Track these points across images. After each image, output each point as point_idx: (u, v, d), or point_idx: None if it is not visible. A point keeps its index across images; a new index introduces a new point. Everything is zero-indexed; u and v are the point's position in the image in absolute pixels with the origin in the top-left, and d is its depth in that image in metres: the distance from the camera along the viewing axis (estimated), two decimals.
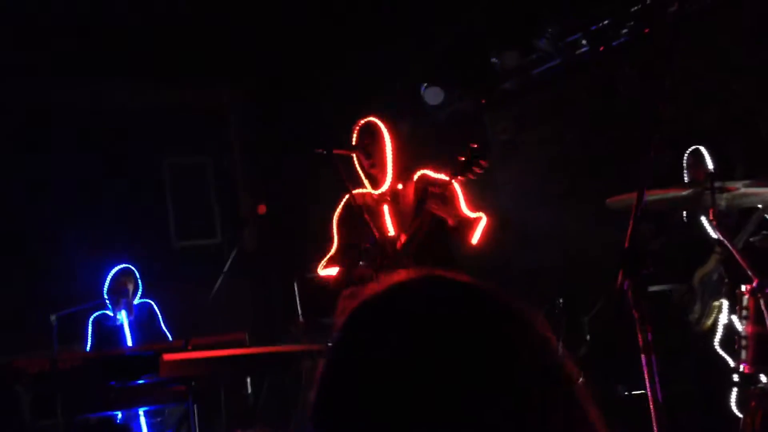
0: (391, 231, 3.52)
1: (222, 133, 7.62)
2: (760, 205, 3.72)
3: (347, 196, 3.68)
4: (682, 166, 4.74)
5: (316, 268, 3.79)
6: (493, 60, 6.21)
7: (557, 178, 6.37)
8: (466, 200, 3.52)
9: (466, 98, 6.75)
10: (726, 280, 4.05)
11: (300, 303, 5.16)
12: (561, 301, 5.11)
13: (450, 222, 3.37)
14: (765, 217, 4.00)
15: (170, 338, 5.36)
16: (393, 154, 3.53)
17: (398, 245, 3.31)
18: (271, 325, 6.34)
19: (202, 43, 6.42)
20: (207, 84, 7.29)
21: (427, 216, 3.32)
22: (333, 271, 3.67)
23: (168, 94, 7.19)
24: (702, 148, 4.48)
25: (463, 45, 6.46)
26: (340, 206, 3.78)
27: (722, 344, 4.02)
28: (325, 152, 3.59)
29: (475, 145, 3.18)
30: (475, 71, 6.47)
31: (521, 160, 6.72)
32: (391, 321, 0.82)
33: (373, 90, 6.46)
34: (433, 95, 6.54)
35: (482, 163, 3.23)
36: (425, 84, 6.54)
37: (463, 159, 3.24)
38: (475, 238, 3.39)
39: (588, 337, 4.79)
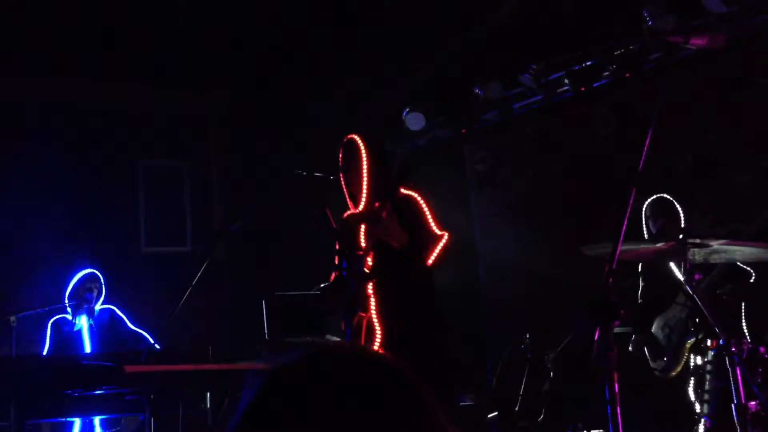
0: (360, 249, 3.47)
1: (200, 141, 7.57)
2: (738, 261, 3.77)
3: (346, 214, 3.66)
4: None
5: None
6: (476, 91, 6.26)
7: (531, 212, 6.43)
8: (432, 217, 3.45)
9: (447, 126, 6.80)
10: (692, 325, 4.07)
11: (267, 320, 5.12)
12: (528, 336, 5.16)
13: (395, 245, 3.27)
14: (735, 267, 4.06)
15: (148, 336, 5.23)
16: (368, 173, 3.47)
17: (366, 265, 3.27)
18: (236, 340, 6.28)
19: (184, 48, 6.39)
20: (188, 90, 7.24)
21: (371, 238, 3.25)
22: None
23: (147, 98, 7.13)
24: (668, 196, 4.50)
25: (447, 73, 6.51)
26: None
27: (695, 390, 4.02)
28: (304, 173, 3.57)
29: (404, 167, 3.16)
30: (458, 100, 6.53)
31: (497, 193, 6.77)
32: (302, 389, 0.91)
33: (355, 110, 6.48)
34: (414, 120, 6.57)
35: (407, 182, 3.19)
36: (407, 109, 6.57)
37: (396, 173, 3.20)
38: (432, 258, 3.31)
39: (551, 374, 4.82)
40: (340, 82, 6.59)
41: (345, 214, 3.66)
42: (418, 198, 3.41)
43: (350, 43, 6.32)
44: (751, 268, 3.96)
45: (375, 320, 3.24)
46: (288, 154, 6.14)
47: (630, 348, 4.40)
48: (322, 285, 3.72)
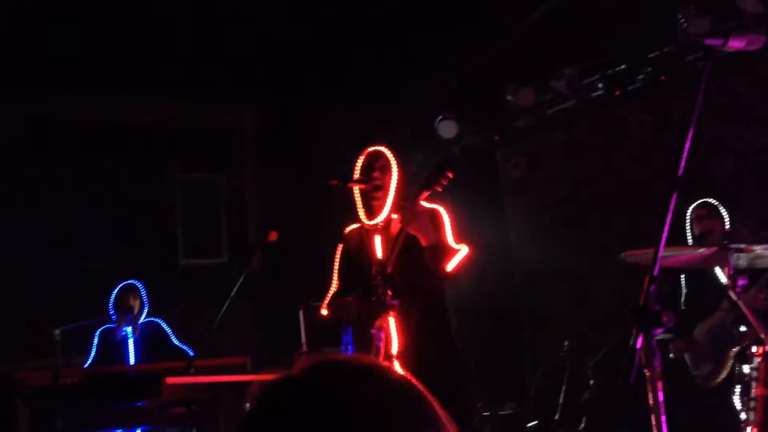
0: (380, 256, 3.49)
1: (236, 153, 7.66)
2: None
3: (342, 244, 3.69)
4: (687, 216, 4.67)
5: (322, 304, 3.78)
6: (508, 97, 6.24)
7: (567, 217, 6.38)
8: (453, 230, 3.45)
9: (480, 133, 6.78)
10: (740, 331, 3.98)
11: (304, 331, 5.14)
12: (567, 344, 5.11)
13: (423, 242, 3.27)
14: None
15: (191, 353, 5.30)
16: (397, 186, 3.51)
17: (387, 270, 3.29)
18: (274, 351, 6.32)
19: (221, 61, 6.47)
20: (221, 103, 7.33)
21: (401, 233, 3.26)
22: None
23: (181, 112, 7.24)
24: (713, 201, 4.44)
25: (479, 80, 6.50)
26: (339, 251, 3.75)
27: (743, 399, 3.94)
28: (340, 184, 3.59)
29: (445, 159, 3.16)
30: (490, 107, 6.51)
31: (531, 198, 6.73)
32: (300, 403, 0.91)
33: (388, 120, 6.49)
34: (446, 128, 6.57)
35: (448, 173, 3.18)
36: (440, 116, 6.57)
37: (430, 172, 3.20)
38: (451, 265, 3.29)
39: (591, 382, 4.76)
40: (370, 92, 6.62)
41: (348, 230, 3.67)
42: (441, 211, 3.42)
43: (379, 52, 6.35)
44: None
45: (392, 334, 3.25)
46: (320, 164, 6.18)
47: (670, 355, 4.34)
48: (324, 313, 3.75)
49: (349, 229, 3.68)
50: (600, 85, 5.89)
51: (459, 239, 3.43)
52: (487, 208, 6.54)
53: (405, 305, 3.24)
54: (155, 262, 6.92)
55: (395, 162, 3.49)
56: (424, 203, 3.38)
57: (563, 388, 4.85)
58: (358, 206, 3.60)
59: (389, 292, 3.22)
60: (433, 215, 3.40)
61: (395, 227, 3.42)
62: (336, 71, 6.67)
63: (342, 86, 6.75)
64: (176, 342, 5.43)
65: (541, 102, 6.26)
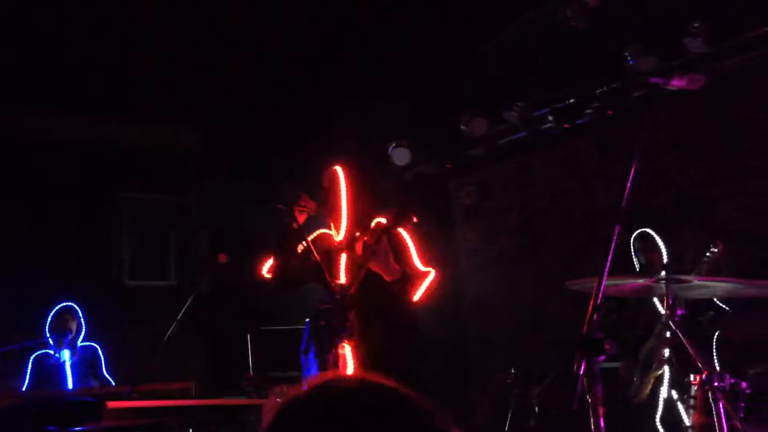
0: (343, 280, 3.47)
1: (186, 175, 7.58)
2: (715, 299, 3.82)
3: (319, 231, 3.65)
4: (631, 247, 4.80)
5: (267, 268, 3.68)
6: (462, 126, 6.34)
7: (517, 247, 6.47)
8: (418, 252, 3.46)
9: (432, 161, 6.86)
10: (663, 354, 4.12)
11: (252, 356, 5.09)
12: (514, 371, 5.15)
13: (386, 278, 3.27)
14: (713, 303, 4.12)
15: (112, 384, 5.21)
16: (348, 203, 3.49)
17: (347, 296, 3.26)
18: (221, 376, 6.22)
19: (170, 84, 6.42)
20: (174, 125, 7.27)
21: (361, 268, 3.26)
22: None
23: (133, 132, 7.15)
24: (650, 231, 4.58)
25: (433, 108, 6.58)
26: (313, 236, 3.69)
27: (662, 421, 4.08)
28: (285, 208, 3.58)
29: (406, 204, 3.18)
30: (443, 136, 6.60)
31: (482, 227, 6.82)
32: (315, 421, 0.91)
33: (339, 144, 6.51)
34: (400, 155, 6.62)
35: (412, 217, 3.21)
36: (393, 143, 6.63)
37: (396, 211, 3.21)
38: (417, 295, 3.30)
39: (537, 409, 4.81)
40: (323, 115, 6.64)
41: (319, 232, 3.65)
42: (405, 236, 3.43)
43: (334, 76, 6.39)
44: (729, 304, 4.01)
45: (351, 353, 3.23)
46: (271, 187, 6.15)
47: (620, 373, 4.45)
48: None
49: (320, 233, 3.66)
50: (550, 118, 6.03)
51: (426, 261, 3.42)
52: (438, 235, 6.56)
53: (364, 332, 3.23)
54: (99, 283, 6.77)
55: (346, 180, 3.50)
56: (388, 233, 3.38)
57: (509, 414, 4.89)
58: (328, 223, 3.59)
59: (349, 318, 3.20)
60: (398, 243, 3.40)
61: (360, 247, 3.41)
62: (287, 94, 6.68)
63: (294, 109, 6.77)
64: (104, 371, 5.33)
65: (493, 132, 6.37)
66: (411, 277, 3.31)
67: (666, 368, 4.14)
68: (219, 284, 6.82)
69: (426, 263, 3.45)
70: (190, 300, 4.58)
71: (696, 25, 4.89)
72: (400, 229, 3.41)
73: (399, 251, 3.36)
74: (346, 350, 3.20)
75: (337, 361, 3.14)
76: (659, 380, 4.16)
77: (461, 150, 6.65)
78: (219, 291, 6.86)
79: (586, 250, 5.61)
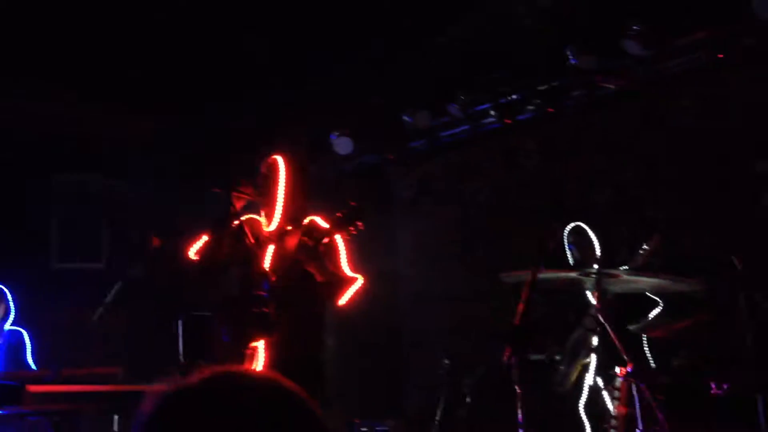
0: (267, 270, 3.43)
1: (120, 156, 7.36)
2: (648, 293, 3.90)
3: (247, 216, 3.60)
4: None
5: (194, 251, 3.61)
6: (405, 118, 6.33)
7: (455, 240, 6.51)
8: (348, 258, 3.45)
9: (374, 152, 6.84)
10: (590, 344, 4.21)
11: (183, 342, 4.99)
12: (447, 362, 5.19)
13: (318, 278, 3.27)
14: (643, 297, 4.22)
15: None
16: (286, 194, 3.45)
17: (270, 283, 3.23)
18: (151, 362, 6.08)
19: (109, 63, 6.23)
20: (112, 105, 7.05)
21: (295, 265, 3.24)
22: None
23: (69, 112, 6.91)
24: (584, 226, 4.65)
25: (377, 99, 6.56)
26: (241, 220, 3.63)
27: (586, 408, 4.17)
28: (223, 191, 3.52)
29: (354, 204, 3.16)
30: (386, 127, 6.58)
31: (422, 220, 6.84)
32: (202, 411, 0.90)
33: (282, 133, 6.44)
34: (342, 145, 6.58)
35: (358, 224, 3.19)
36: (336, 133, 6.58)
37: (341, 216, 3.19)
38: (344, 299, 3.30)
39: (468, 399, 4.85)
40: (267, 104, 6.55)
41: (247, 217, 3.60)
42: (339, 241, 3.41)
43: (278, 65, 6.30)
44: (658, 298, 4.11)
45: (265, 347, 3.20)
46: (210, 172, 6.04)
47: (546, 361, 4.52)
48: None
49: (251, 216, 3.61)
50: (492, 113, 6.08)
51: (354, 268, 3.42)
52: (377, 227, 6.57)
53: (282, 323, 3.19)
54: (28, 266, 6.53)
55: (285, 171, 3.45)
56: (321, 223, 3.35)
57: (441, 405, 4.93)
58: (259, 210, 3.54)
59: (271, 309, 3.16)
60: (332, 246, 3.37)
61: (291, 240, 3.38)
62: (233, 78, 6.56)
63: (238, 94, 6.65)
64: (29, 358, 5.16)
65: (436, 125, 6.39)
66: (339, 281, 3.30)
67: (593, 356, 4.21)
68: (151, 268, 6.66)
69: (354, 269, 3.44)
70: (119, 284, 4.46)
71: (635, 27, 4.99)
72: (336, 237, 3.38)
73: (331, 254, 3.34)
74: (261, 343, 3.17)
75: (252, 352, 3.11)
76: (585, 368, 4.23)
77: (403, 142, 6.64)
78: (151, 275, 6.70)
79: (523, 245, 5.67)
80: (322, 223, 3.47)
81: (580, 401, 4.02)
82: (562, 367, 4.35)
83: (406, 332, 6.66)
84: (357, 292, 3.36)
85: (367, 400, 5.95)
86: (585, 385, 3.92)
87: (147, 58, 6.23)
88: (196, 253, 3.56)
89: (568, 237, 4.58)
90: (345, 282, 3.31)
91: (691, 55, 5.13)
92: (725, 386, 2.85)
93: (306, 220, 3.51)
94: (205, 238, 3.55)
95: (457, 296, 6.26)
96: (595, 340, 3.61)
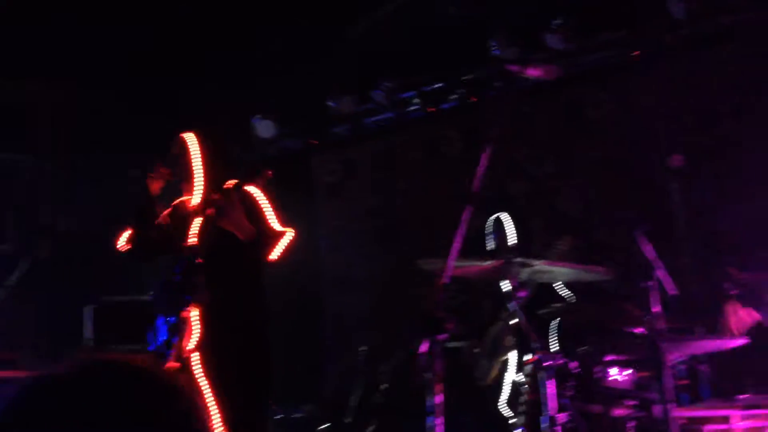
0: (194, 241, 3.35)
1: (29, 132, 7.02)
2: (559, 283, 3.99)
3: (177, 200, 3.51)
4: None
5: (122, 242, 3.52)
6: (329, 103, 6.28)
7: (377, 226, 6.52)
8: (275, 212, 3.38)
9: (297, 136, 6.76)
10: (510, 340, 4.29)
11: (93, 328, 4.82)
12: (364, 348, 5.21)
13: (240, 236, 3.17)
14: (554, 288, 4.33)
15: None
16: (204, 167, 3.37)
17: (198, 258, 3.15)
18: (56, 348, 5.86)
19: (18, 35, 5.93)
20: (19, 78, 6.71)
21: (208, 226, 3.17)
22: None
23: None
24: (503, 216, 4.73)
25: (301, 83, 6.48)
26: (172, 206, 3.55)
27: (509, 403, 4.25)
28: (140, 173, 3.42)
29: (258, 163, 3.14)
30: (310, 111, 6.52)
31: (344, 205, 6.81)
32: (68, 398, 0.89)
33: (204, 114, 6.29)
34: (264, 128, 6.48)
35: (267, 173, 3.14)
36: (258, 115, 6.48)
37: (248, 169, 3.13)
38: (275, 254, 3.21)
39: (385, 385, 4.88)
40: (189, 84, 6.38)
41: (177, 201, 3.53)
42: (259, 195, 3.34)
43: (204, 45, 6.14)
44: (571, 288, 4.23)
45: (201, 316, 3.12)
46: (126, 150, 5.84)
47: (463, 356, 4.58)
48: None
49: (177, 201, 3.51)
50: (416, 100, 6.10)
51: (282, 222, 3.34)
52: (298, 211, 6.50)
53: (214, 295, 3.12)
54: None
55: (199, 145, 3.37)
56: (239, 190, 3.27)
57: (357, 391, 4.94)
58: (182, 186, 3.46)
59: (198, 281, 3.09)
60: (251, 202, 3.30)
61: (217, 208, 3.29)
62: (152, 54, 6.34)
63: (158, 70, 6.44)
64: None
65: (360, 111, 6.36)
66: (267, 237, 3.22)
67: (514, 352, 4.29)
68: (59, 251, 6.40)
69: (283, 224, 3.37)
70: (25, 266, 4.27)
71: (557, 22, 5.08)
72: (254, 188, 3.30)
73: (253, 210, 3.26)
74: (193, 314, 3.08)
75: (184, 325, 3.03)
76: (507, 363, 4.30)
77: (327, 127, 6.59)
78: (59, 258, 6.44)
79: (443, 233, 5.72)
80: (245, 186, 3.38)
81: (502, 396, 4.07)
82: (483, 361, 4.40)
83: (326, 317, 6.64)
84: (289, 247, 3.28)
85: (283, 384, 5.90)
86: (506, 380, 3.99)
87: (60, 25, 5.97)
88: (127, 242, 3.46)
89: (487, 227, 4.64)
90: (274, 237, 3.24)
91: (609, 52, 5.27)
92: (629, 371, 2.96)
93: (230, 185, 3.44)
94: (129, 229, 3.45)
95: (377, 282, 6.27)
96: (512, 339, 3.68)
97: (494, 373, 4.31)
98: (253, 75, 6.40)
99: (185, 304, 3.03)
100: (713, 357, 3.48)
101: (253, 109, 6.53)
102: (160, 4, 5.82)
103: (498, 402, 4.02)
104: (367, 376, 4.98)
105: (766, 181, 4.67)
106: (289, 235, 3.25)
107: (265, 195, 3.33)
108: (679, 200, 3.97)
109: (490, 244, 4.73)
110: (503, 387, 4.18)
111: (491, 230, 4.75)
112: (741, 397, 3.13)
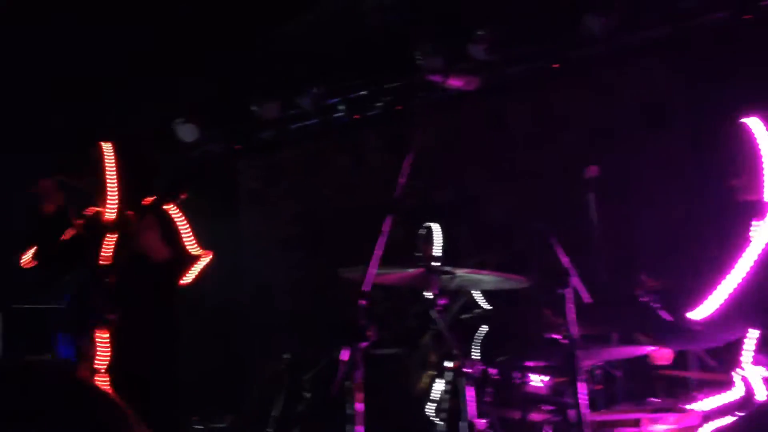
0: (108, 260, 3.25)
1: None
2: (477, 292, 4.05)
3: (92, 210, 3.40)
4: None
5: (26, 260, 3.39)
6: (254, 108, 6.21)
7: (301, 233, 6.48)
8: (192, 233, 3.32)
9: (221, 141, 6.67)
10: (438, 349, 4.32)
11: (2, 336, 4.62)
12: (287, 356, 5.15)
13: (153, 259, 3.14)
14: (474, 298, 4.40)
15: None
16: (118, 179, 3.29)
17: (110, 277, 3.07)
18: None
19: None
20: None
21: (124, 248, 3.09)
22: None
23: None
24: (434, 226, 4.78)
25: (225, 87, 6.39)
26: (86, 215, 3.44)
27: (437, 411, 4.26)
28: (55, 179, 3.31)
29: (177, 177, 3.09)
30: (235, 116, 6.43)
31: (268, 211, 6.75)
32: None
33: (124, 119, 6.12)
34: (187, 132, 6.36)
35: (182, 195, 3.10)
36: (181, 119, 6.35)
37: (166, 189, 3.08)
38: (189, 277, 3.19)
39: (307, 394, 4.85)
40: (110, 86, 6.20)
41: (92, 211, 3.42)
42: (176, 212, 3.27)
43: (125, 48, 5.98)
44: (493, 296, 4.30)
45: (108, 338, 3.03)
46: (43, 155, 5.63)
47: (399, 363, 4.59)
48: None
49: (91, 211, 3.40)
50: (342, 107, 6.11)
51: (201, 244, 3.29)
52: (221, 217, 6.42)
53: (123, 317, 3.03)
54: None
55: (115, 157, 3.28)
56: (157, 210, 3.20)
57: (280, 400, 4.89)
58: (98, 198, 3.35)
59: (107, 303, 3.00)
60: (168, 223, 3.22)
61: (131, 226, 3.20)
62: (73, 59, 6.13)
63: (75, 75, 6.23)
64: None
65: (285, 116, 6.32)
66: (182, 260, 3.16)
67: (442, 360, 4.31)
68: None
69: (202, 246, 3.31)
70: None
71: (480, 33, 5.18)
72: (171, 208, 3.24)
73: (169, 232, 3.19)
74: (100, 336, 3.00)
75: (90, 347, 2.94)
76: (436, 371, 4.31)
77: (252, 131, 6.53)
78: None
79: (367, 240, 5.73)
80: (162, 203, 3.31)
81: (431, 405, 4.09)
82: (413, 370, 4.41)
83: (248, 325, 6.55)
84: (204, 271, 3.23)
85: (205, 394, 5.80)
86: (435, 390, 4.01)
87: None
88: (33, 257, 3.33)
89: (417, 236, 4.68)
90: (190, 260, 3.18)
91: (529, 64, 5.40)
92: (547, 377, 3.03)
93: (147, 202, 3.35)
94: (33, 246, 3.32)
95: (301, 289, 6.23)
96: (439, 347, 3.70)
97: (424, 381, 4.32)
98: (176, 77, 6.27)
99: (92, 325, 2.95)
100: (627, 362, 3.60)
101: (175, 112, 6.40)
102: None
103: (422, 409, 4.04)
104: (289, 385, 4.93)
105: (678, 189, 4.87)
106: (205, 259, 3.21)
107: (183, 215, 3.27)
108: (595, 209, 4.09)
109: (417, 253, 4.77)
110: (429, 394, 4.20)
111: (418, 240, 4.79)
112: (652, 400, 3.25)
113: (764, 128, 2.53)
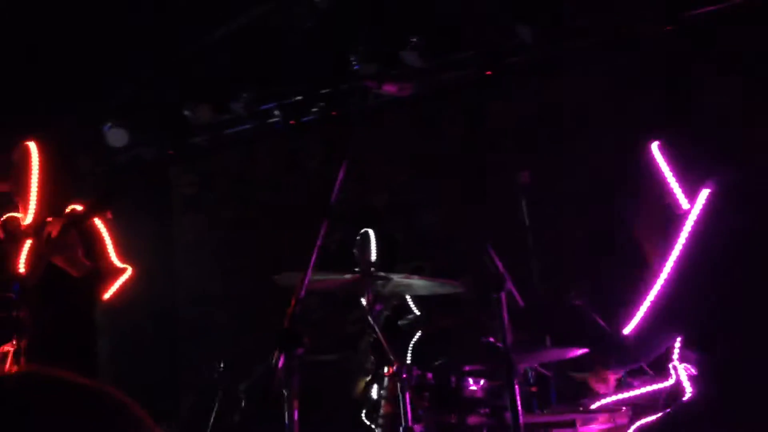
0: (23, 269, 3.13)
1: None
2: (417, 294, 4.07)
3: (8, 215, 3.27)
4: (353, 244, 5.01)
5: None
6: (186, 112, 6.10)
7: (234, 239, 6.40)
8: (114, 248, 3.22)
9: (153, 146, 6.52)
10: (375, 353, 4.33)
11: None
12: (221, 364, 5.07)
13: (74, 273, 3.03)
14: (407, 303, 4.43)
15: None
16: (39, 183, 3.17)
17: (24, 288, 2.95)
18: None
19: None
20: None
21: (42, 261, 2.98)
22: None
23: None
24: (370, 232, 4.79)
25: (156, 90, 6.26)
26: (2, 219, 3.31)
27: (368, 415, 4.27)
28: None
29: (106, 188, 3.01)
30: (166, 120, 6.30)
31: (202, 218, 6.65)
32: None
33: (51, 121, 5.92)
34: (116, 136, 6.19)
35: (107, 212, 3.01)
36: (110, 123, 6.18)
37: (90, 203, 2.99)
38: (109, 293, 3.10)
39: (243, 403, 4.78)
40: (38, 87, 5.99)
41: (8, 215, 3.30)
42: (101, 225, 3.18)
43: (52, 48, 5.79)
44: (426, 301, 4.34)
45: (22, 353, 2.92)
46: None
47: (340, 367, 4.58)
48: None
49: (12, 214, 3.26)
50: (276, 112, 6.05)
51: (122, 258, 3.20)
52: (153, 224, 6.29)
53: (38, 332, 2.91)
54: None
55: (39, 158, 3.16)
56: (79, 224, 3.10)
57: (214, 409, 4.80)
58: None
59: (21, 316, 2.88)
60: (91, 236, 3.12)
61: (49, 233, 3.09)
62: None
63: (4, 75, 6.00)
64: None
65: (219, 121, 6.22)
66: (104, 275, 3.07)
67: (378, 365, 4.31)
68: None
69: (133, 256, 3.24)
70: None
71: (413, 39, 5.22)
72: (98, 220, 3.15)
73: (92, 244, 3.10)
74: (14, 350, 2.88)
75: (2, 362, 2.83)
76: (376, 377, 4.30)
77: (184, 137, 6.40)
78: None
79: (302, 246, 5.70)
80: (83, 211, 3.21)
81: (367, 408, 4.08)
82: (353, 375, 4.40)
83: (183, 333, 6.43)
84: (125, 285, 3.15)
85: (139, 403, 5.65)
86: (373, 393, 4.01)
87: None
88: None
89: (355, 240, 4.68)
90: (110, 273, 3.09)
91: (463, 71, 5.48)
92: (481, 382, 3.06)
93: (68, 209, 3.24)
94: None
95: (235, 296, 6.15)
96: (376, 352, 3.71)
97: (362, 385, 4.32)
98: (104, 80, 6.11)
99: (5, 339, 2.83)
100: (558, 364, 3.67)
101: (104, 116, 6.23)
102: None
103: (360, 415, 4.04)
104: (225, 393, 4.86)
105: (608, 195, 5.01)
106: (128, 273, 3.13)
107: (107, 227, 3.18)
108: (527, 214, 4.17)
109: (354, 258, 4.76)
110: (368, 400, 4.20)
111: (356, 245, 4.79)
112: (584, 401, 3.33)
113: (662, 155, 2.58)
